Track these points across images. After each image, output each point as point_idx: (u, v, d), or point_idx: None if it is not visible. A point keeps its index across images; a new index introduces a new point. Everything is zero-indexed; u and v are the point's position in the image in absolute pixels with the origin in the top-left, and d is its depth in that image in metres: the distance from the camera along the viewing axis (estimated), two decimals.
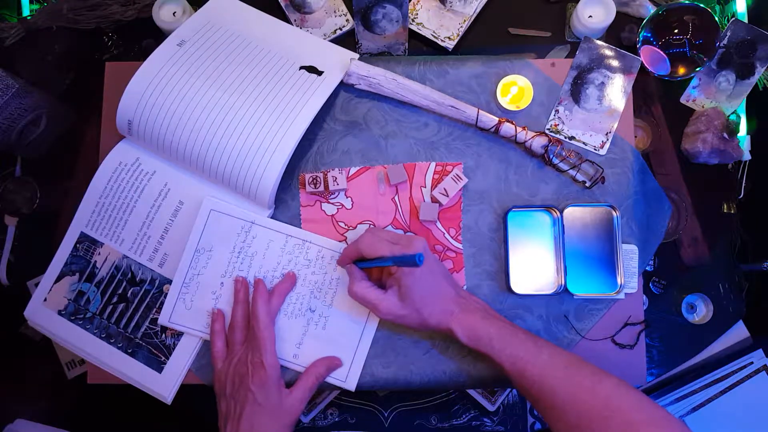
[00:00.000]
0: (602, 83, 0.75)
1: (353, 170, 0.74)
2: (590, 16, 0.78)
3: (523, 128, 0.72)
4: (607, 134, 0.74)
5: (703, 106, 0.80)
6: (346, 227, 0.73)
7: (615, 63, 0.76)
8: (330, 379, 0.70)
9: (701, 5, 0.75)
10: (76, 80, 0.82)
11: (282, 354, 0.70)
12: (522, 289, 0.71)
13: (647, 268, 0.79)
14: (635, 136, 0.78)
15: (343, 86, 0.74)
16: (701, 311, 0.80)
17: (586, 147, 0.74)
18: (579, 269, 0.72)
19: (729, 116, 0.79)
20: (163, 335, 0.72)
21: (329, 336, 0.71)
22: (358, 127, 0.74)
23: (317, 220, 0.73)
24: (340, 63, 0.73)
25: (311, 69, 0.72)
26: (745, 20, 0.81)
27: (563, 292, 0.71)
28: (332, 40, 0.79)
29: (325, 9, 0.80)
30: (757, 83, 0.79)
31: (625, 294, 0.72)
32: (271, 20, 0.76)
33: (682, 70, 0.77)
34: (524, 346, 0.62)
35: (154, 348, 0.72)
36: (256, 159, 0.68)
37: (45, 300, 0.73)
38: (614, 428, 0.56)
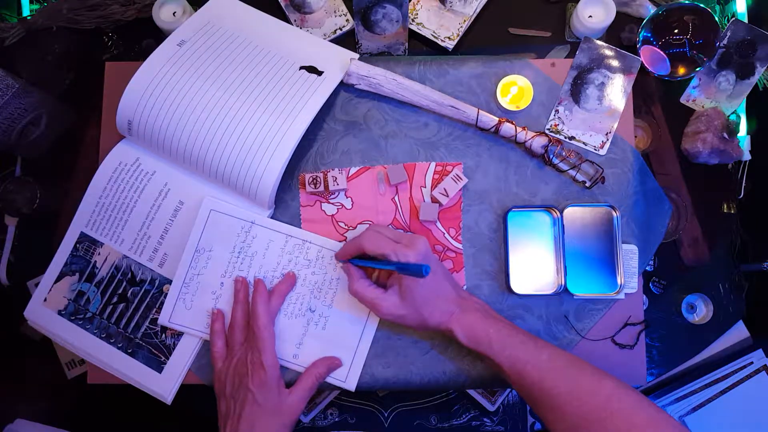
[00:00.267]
0: (602, 83, 0.75)
1: (353, 170, 0.74)
2: (590, 16, 0.78)
3: (523, 128, 0.72)
4: (607, 134, 0.74)
5: (703, 106, 0.80)
6: (346, 227, 0.73)
7: (615, 63, 0.76)
8: (330, 379, 0.70)
9: (701, 5, 0.75)
10: (76, 80, 0.82)
11: (282, 354, 0.70)
12: (522, 289, 0.71)
13: (647, 268, 0.79)
14: (635, 136, 0.78)
15: (343, 86, 0.74)
16: (701, 311, 0.80)
17: (586, 147, 0.74)
18: (579, 269, 0.72)
19: (729, 116, 0.79)
20: (163, 335, 0.72)
21: (329, 336, 0.71)
22: (358, 127, 0.74)
23: (317, 220, 0.73)
24: (340, 63, 0.73)
25: (311, 69, 0.72)
26: (745, 20, 0.81)
27: (563, 292, 0.71)
28: (332, 40, 0.79)
29: (325, 9, 0.80)
30: (757, 83, 0.79)
31: (625, 294, 0.72)
32: (271, 20, 0.76)
33: (682, 70, 0.77)
34: (524, 347, 0.62)
35: (154, 348, 0.72)
36: (256, 159, 0.68)
37: (45, 300, 0.73)
38: (614, 429, 0.56)
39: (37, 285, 0.75)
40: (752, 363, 0.78)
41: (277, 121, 0.68)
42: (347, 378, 0.70)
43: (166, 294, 0.71)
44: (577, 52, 0.76)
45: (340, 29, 0.80)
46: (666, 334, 0.79)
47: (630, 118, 0.75)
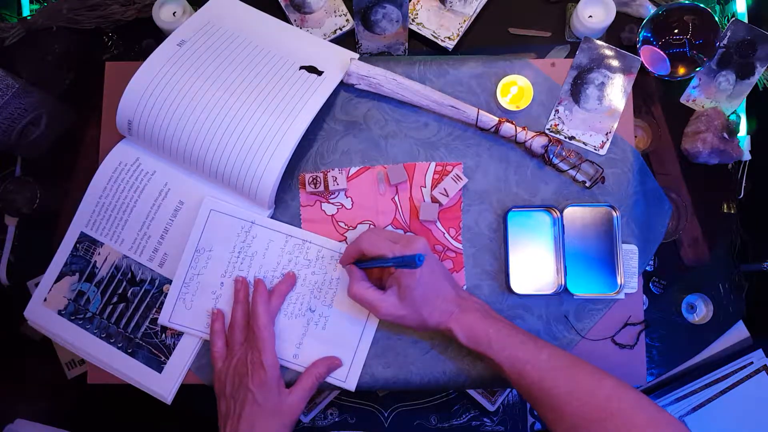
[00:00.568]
0: (602, 83, 0.75)
1: (353, 170, 0.74)
2: (590, 16, 0.78)
3: (523, 128, 0.72)
4: (607, 134, 0.74)
5: (703, 106, 0.80)
6: (346, 227, 0.73)
7: (615, 63, 0.76)
8: (330, 379, 0.70)
9: (701, 5, 0.75)
10: (76, 80, 0.82)
11: (282, 354, 0.70)
12: (522, 289, 0.71)
13: (647, 268, 0.79)
14: (635, 136, 0.78)
15: (343, 86, 0.74)
16: (701, 311, 0.80)
17: (586, 147, 0.74)
18: (579, 269, 0.72)
19: (729, 116, 0.79)
20: (163, 335, 0.72)
21: (329, 336, 0.71)
22: (358, 127, 0.74)
23: (317, 220, 0.73)
24: (340, 63, 0.73)
25: (311, 69, 0.72)
26: (745, 20, 0.81)
27: (563, 292, 0.71)
28: (332, 40, 0.79)
29: (325, 9, 0.80)
30: (757, 83, 0.79)
31: (625, 294, 0.72)
32: (271, 20, 0.76)
33: (682, 70, 0.77)
34: (524, 347, 0.62)
35: (154, 348, 0.72)
36: (256, 159, 0.68)
37: (45, 300, 0.73)
38: (614, 429, 0.56)
39: (37, 285, 0.75)
40: (752, 363, 0.78)
41: (277, 121, 0.68)
42: (347, 378, 0.70)
43: (166, 294, 0.71)
44: (577, 52, 0.76)
45: (340, 29, 0.80)
46: (666, 334, 0.79)
47: (630, 118, 0.75)
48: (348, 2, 0.79)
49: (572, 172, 0.73)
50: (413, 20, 0.80)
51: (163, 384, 0.71)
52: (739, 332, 0.81)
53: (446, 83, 0.74)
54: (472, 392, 0.80)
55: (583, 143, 0.74)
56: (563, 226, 0.71)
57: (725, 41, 0.78)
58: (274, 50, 0.73)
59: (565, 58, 0.80)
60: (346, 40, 0.81)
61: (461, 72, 0.75)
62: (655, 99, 0.81)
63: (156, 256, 0.73)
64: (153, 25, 0.78)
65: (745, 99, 0.80)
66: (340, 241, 0.72)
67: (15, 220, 0.81)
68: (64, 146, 0.81)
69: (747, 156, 0.81)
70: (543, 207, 0.73)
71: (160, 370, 0.71)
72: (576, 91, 0.75)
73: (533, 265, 0.72)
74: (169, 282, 0.72)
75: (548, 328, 0.72)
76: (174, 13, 0.79)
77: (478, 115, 0.72)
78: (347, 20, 0.80)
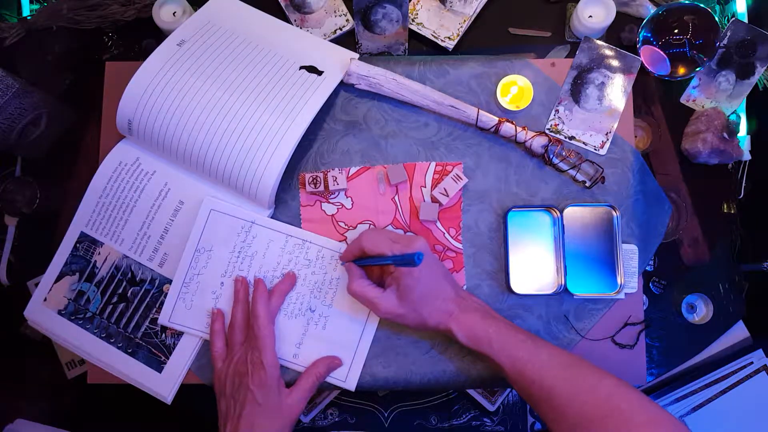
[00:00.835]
0: (602, 83, 0.75)
1: (353, 170, 0.74)
2: (590, 16, 0.78)
3: (523, 128, 0.72)
4: (607, 134, 0.74)
5: (703, 106, 0.80)
6: (346, 227, 0.73)
7: (615, 63, 0.76)
8: (330, 379, 0.70)
9: (701, 5, 0.75)
10: (76, 80, 0.82)
11: (282, 354, 0.70)
12: (522, 289, 0.71)
13: (647, 268, 0.79)
14: (635, 136, 0.78)
15: (343, 86, 0.74)
16: (701, 311, 0.80)
17: (586, 147, 0.74)
18: (579, 269, 0.72)
19: (729, 116, 0.79)
20: (163, 335, 0.72)
21: (329, 336, 0.71)
22: (358, 127, 0.74)
23: (317, 220, 0.73)
24: (340, 63, 0.73)
25: (311, 69, 0.72)
26: (745, 20, 0.81)
27: (563, 292, 0.71)
28: (332, 40, 0.79)
29: (325, 9, 0.80)
30: (757, 83, 0.79)
31: (625, 294, 0.72)
32: (271, 20, 0.76)
33: (682, 70, 0.77)
34: (524, 347, 0.62)
35: (154, 348, 0.72)
36: (256, 159, 0.68)
37: (45, 300, 0.73)
38: (614, 428, 0.56)
39: (37, 285, 0.75)
40: (752, 363, 0.78)
41: (277, 121, 0.68)
42: (347, 378, 0.70)
43: (166, 294, 0.71)
44: (577, 52, 0.76)
45: (340, 29, 0.80)
46: (666, 334, 0.79)
47: (630, 118, 0.75)
48: (348, 2, 0.79)
49: (572, 172, 0.73)
50: (413, 20, 0.80)
51: (163, 384, 0.71)
52: (739, 332, 0.81)
53: (446, 83, 0.74)
54: (472, 392, 0.80)
55: (583, 143, 0.74)
56: (563, 226, 0.71)
57: (725, 41, 0.78)
58: (274, 50, 0.73)
59: (565, 58, 0.80)
60: (346, 40, 0.81)
61: (461, 72, 0.75)
62: (655, 99, 0.81)
63: (156, 256, 0.73)
64: (153, 25, 0.78)
65: (745, 99, 0.80)
66: (340, 241, 0.72)
67: (15, 220, 0.81)
68: (64, 146, 0.81)
69: (747, 156, 0.81)
70: (543, 207, 0.73)
71: (160, 370, 0.71)
72: (576, 91, 0.75)
73: (533, 265, 0.72)
74: (169, 282, 0.72)
75: (548, 328, 0.72)
76: (174, 13, 0.79)
77: (478, 115, 0.72)
78: (347, 20, 0.80)
